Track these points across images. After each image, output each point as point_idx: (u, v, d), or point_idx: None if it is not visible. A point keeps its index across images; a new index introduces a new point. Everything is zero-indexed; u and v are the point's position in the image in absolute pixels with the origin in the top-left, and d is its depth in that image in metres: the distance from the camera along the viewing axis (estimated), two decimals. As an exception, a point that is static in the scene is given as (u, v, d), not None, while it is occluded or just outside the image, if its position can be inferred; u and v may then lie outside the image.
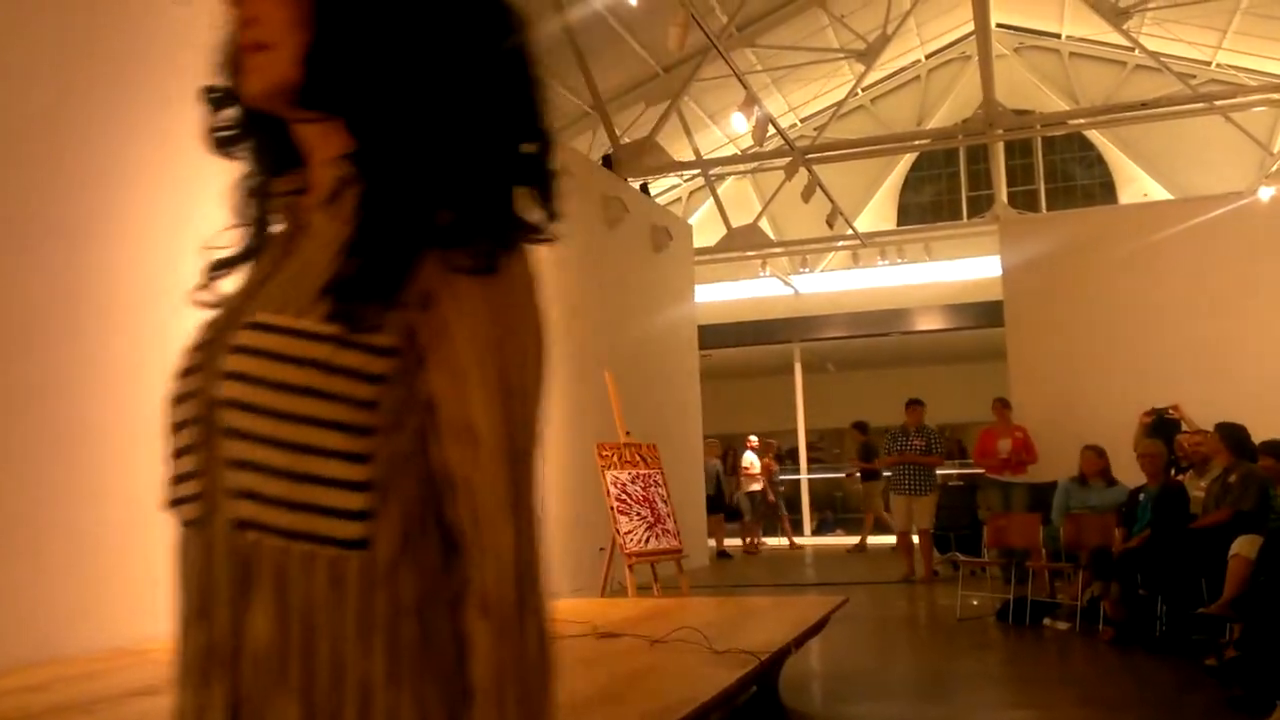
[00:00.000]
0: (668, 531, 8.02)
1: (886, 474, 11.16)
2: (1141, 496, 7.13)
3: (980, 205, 19.97)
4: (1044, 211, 19.26)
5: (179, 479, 1.00)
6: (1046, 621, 7.30)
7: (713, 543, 15.25)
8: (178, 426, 1.00)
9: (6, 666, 4.19)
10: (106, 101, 5.08)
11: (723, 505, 14.25)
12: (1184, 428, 9.18)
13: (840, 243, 17.65)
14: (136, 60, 5.25)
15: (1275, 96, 13.41)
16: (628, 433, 8.24)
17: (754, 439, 16.34)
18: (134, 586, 4.88)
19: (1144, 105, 13.07)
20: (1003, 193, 18.01)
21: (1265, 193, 11.81)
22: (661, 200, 18.54)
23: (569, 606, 6.24)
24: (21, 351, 4.59)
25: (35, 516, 4.54)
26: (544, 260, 0.98)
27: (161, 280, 5.13)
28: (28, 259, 4.65)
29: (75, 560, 4.68)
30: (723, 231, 15.38)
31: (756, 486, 15.96)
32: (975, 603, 8.01)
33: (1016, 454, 9.86)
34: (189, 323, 1.03)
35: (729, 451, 15.70)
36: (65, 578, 4.63)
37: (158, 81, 5.34)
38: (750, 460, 15.95)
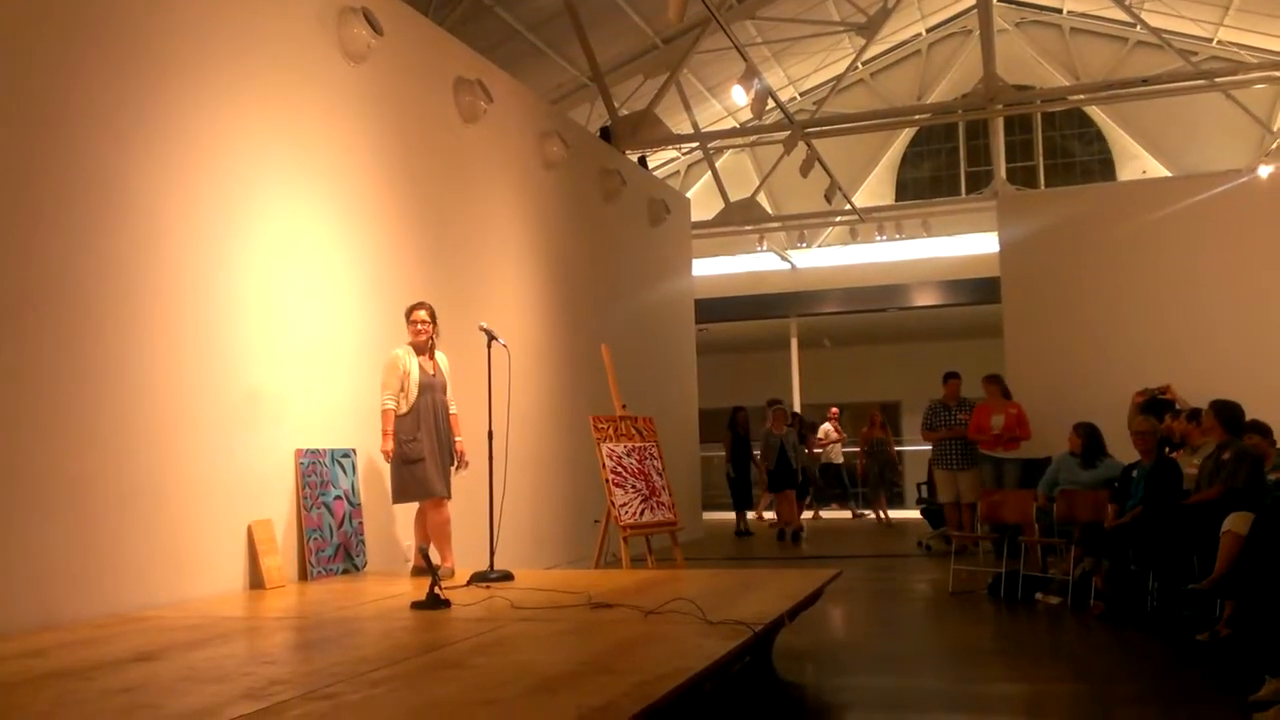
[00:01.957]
0: (663, 504, 8.06)
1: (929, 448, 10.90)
2: (1135, 473, 7.15)
3: (979, 181, 19.92)
4: (1043, 188, 19.22)
5: None
6: (1038, 596, 7.33)
7: (761, 516, 14.83)
8: None
9: (7, 632, 4.22)
10: (112, 100, 5.04)
11: (792, 480, 12.60)
12: (1176, 407, 9.20)
13: (838, 218, 17.63)
14: (150, 53, 5.21)
15: (1276, 74, 13.36)
16: (624, 405, 8.25)
17: (835, 409, 16.56)
18: (133, 555, 4.91)
19: (1144, 82, 13.02)
20: (1002, 169, 17.97)
21: (1264, 170, 11.79)
22: (659, 173, 18.48)
23: (564, 577, 6.28)
24: (22, 332, 4.58)
25: (37, 485, 4.56)
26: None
27: (175, 275, 5.13)
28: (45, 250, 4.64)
29: (76, 528, 4.70)
30: (720, 205, 15.35)
31: (836, 459, 15.98)
32: (967, 577, 8.05)
33: (1009, 430, 9.87)
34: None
35: (796, 421, 14.90)
36: (66, 545, 4.65)
37: (170, 82, 5.31)
38: (826, 430, 16.01)
